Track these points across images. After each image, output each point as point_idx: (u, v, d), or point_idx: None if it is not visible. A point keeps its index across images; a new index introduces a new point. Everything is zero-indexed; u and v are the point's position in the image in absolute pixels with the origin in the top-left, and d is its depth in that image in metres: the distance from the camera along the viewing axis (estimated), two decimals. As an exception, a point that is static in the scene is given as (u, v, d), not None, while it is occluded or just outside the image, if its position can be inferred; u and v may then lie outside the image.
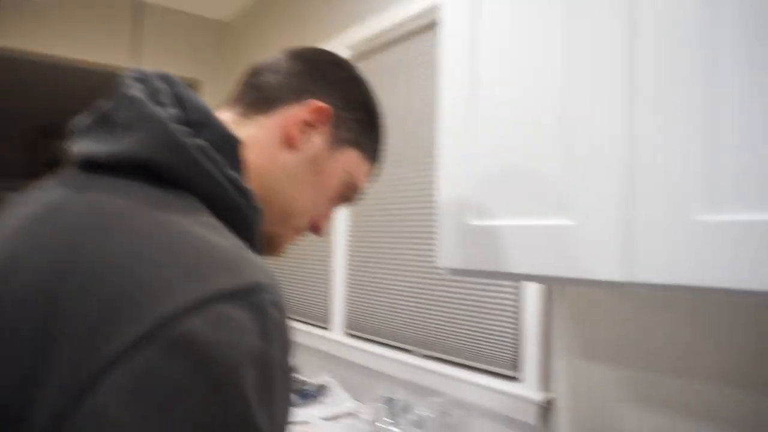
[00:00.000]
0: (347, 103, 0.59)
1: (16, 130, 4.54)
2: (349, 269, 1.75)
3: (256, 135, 0.54)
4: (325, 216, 0.62)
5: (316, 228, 0.61)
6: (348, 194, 0.62)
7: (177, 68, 2.53)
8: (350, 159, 0.60)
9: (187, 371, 0.31)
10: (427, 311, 1.42)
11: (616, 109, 0.62)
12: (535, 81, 0.71)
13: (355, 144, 0.60)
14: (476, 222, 0.78)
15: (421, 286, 1.44)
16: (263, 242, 0.52)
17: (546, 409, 1.07)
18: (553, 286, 1.07)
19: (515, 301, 1.17)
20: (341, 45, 1.80)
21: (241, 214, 0.45)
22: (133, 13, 2.39)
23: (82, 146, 0.45)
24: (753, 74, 0.52)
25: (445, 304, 1.36)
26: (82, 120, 0.47)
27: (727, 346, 0.81)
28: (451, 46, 0.84)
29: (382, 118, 0.64)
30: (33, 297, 0.33)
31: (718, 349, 0.82)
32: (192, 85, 2.70)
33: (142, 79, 0.47)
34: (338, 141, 0.59)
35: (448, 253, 0.83)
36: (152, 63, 2.46)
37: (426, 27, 1.46)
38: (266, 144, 0.55)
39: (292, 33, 2.15)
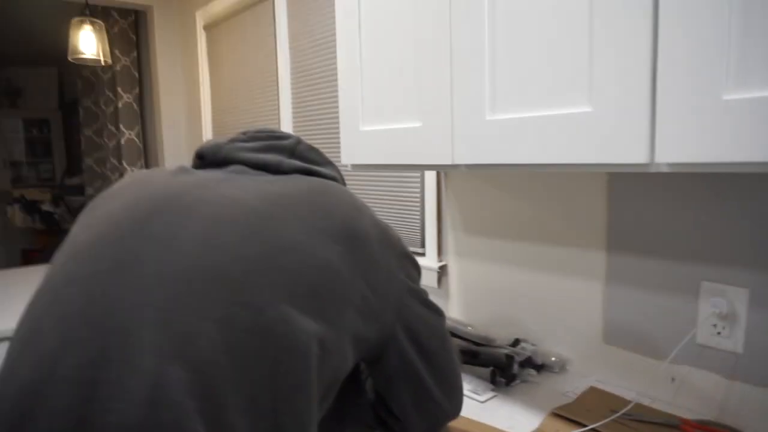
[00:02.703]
0: None
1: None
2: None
3: None
4: None
5: None
6: None
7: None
8: None
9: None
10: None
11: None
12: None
13: None
14: (366, 128, 1.03)
15: (352, 183, 1.72)
16: None
17: (441, 273, 1.39)
18: (445, 175, 1.35)
19: (419, 191, 1.45)
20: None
21: None
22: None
23: (256, 156, 0.68)
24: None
25: (371, 200, 1.65)
26: (244, 140, 0.71)
27: (557, 215, 1.11)
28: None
29: None
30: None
31: (557, 220, 1.12)
32: (143, 10, 2.77)
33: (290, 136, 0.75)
34: None
35: (347, 152, 1.08)
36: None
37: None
38: None
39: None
